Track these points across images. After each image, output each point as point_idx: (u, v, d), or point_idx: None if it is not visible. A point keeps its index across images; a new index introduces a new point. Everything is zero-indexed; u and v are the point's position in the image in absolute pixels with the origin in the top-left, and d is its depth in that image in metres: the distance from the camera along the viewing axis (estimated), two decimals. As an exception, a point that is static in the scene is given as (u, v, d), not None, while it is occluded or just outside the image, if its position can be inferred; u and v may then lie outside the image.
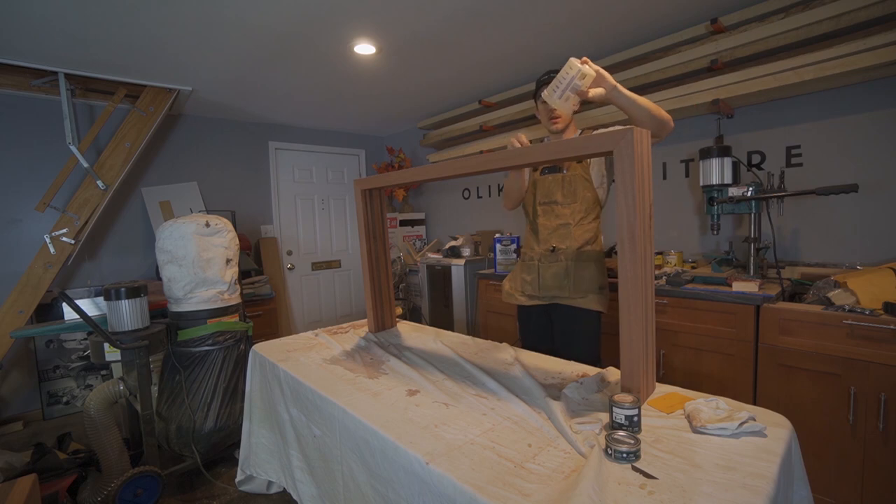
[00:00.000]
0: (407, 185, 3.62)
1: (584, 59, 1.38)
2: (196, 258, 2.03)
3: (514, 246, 2.83)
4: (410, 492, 0.85)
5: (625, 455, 0.77)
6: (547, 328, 1.78)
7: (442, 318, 3.41)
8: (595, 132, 1.57)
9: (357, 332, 1.80)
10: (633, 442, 0.78)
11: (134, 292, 1.90)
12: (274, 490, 1.76)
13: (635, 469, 0.75)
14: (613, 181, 1.65)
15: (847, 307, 1.56)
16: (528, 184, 1.80)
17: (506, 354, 1.40)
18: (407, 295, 3.86)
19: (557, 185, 1.69)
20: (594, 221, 1.71)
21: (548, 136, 1.84)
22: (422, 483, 0.82)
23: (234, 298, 2.19)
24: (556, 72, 1.56)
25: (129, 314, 1.88)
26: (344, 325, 1.92)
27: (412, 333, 1.73)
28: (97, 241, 3.11)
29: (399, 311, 3.40)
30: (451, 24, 2.15)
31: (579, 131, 1.74)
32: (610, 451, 0.78)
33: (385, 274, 1.79)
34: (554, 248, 1.69)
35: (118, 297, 1.86)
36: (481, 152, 3.43)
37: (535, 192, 1.75)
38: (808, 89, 1.98)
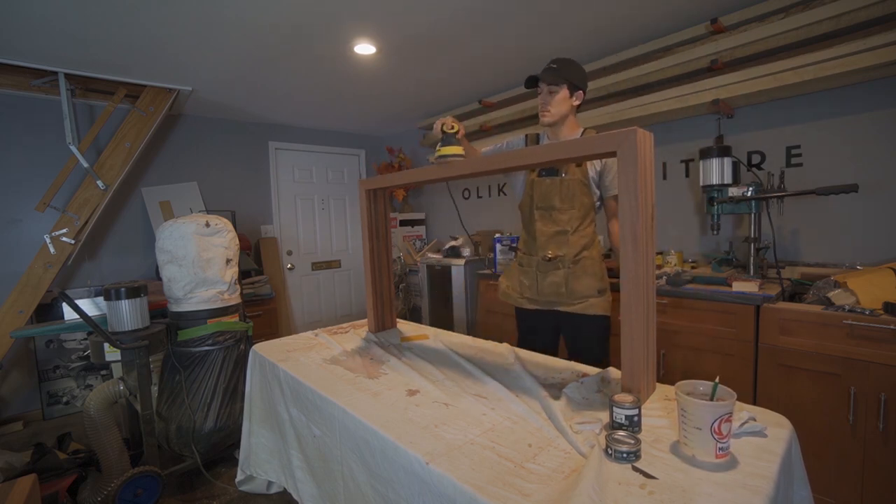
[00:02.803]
0: (411, 185, 3.61)
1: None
2: (196, 258, 2.03)
3: (514, 246, 2.83)
4: (410, 492, 0.85)
5: (625, 455, 0.77)
6: (550, 332, 1.75)
7: (442, 318, 3.41)
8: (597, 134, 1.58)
9: (357, 332, 1.80)
10: (633, 442, 0.77)
11: (134, 292, 1.90)
12: (274, 490, 1.76)
13: (635, 469, 0.75)
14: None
15: (847, 307, 1.56)
16: (525, 186, 1.76)
17: (506, 354, 1.40)
18: (407, 295, 3.86)
19: (555, 190, 1.64)
20: (590, 226, 1.68)
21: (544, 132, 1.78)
22: (422, 483, 0.82)
23: (234, 298, 2.19)
24: (536, 77, 1.57)
25: (129, 314, 1.88)
26: (344, 325, 1.92)
27: (412, 333, 1.73)
28: (97, 241, 3.11)
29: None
30: (451, 24, 2.15)
31: (581, 130, 1.67)
32: (610, 451, 0.78)
33: (386, 274, 1.79)
34: (550, 257, 1.64)
35: (118, 297, 1.86)
36: None
37: (532, 195, 1.70)
38: (808, 89, 1.98)
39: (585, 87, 1.61)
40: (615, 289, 1.88)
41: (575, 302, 1.63)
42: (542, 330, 1.76)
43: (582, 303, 1.63)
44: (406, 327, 1.84)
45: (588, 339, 1.65)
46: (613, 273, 1.90)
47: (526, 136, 1.80)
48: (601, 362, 1.57)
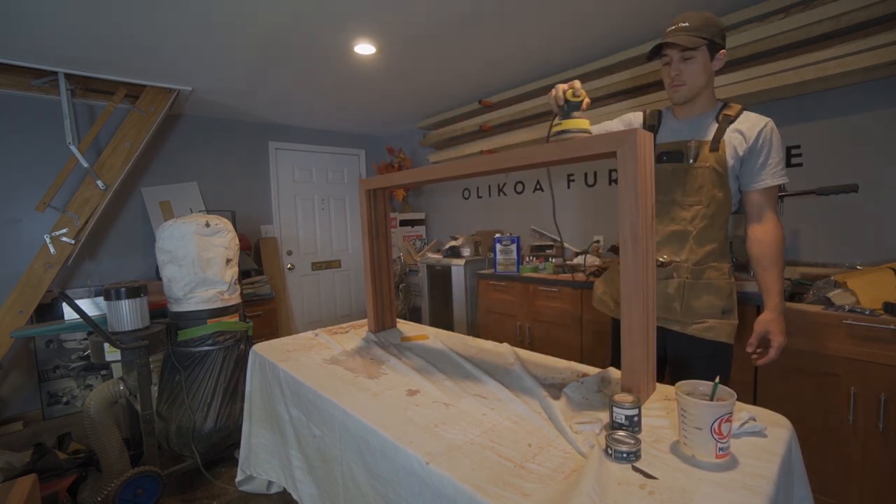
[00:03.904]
0: (411, 185, 3.61)
1: None
2: (196, 258, 2.03)
3: (513, 246, 2.83)
4: (410, 492, 0.85)
5: (625, 455, 0.77)
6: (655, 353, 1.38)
7: (442, 318, 3.41)
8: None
9: (357, 332, 1.80)
10: (633, 442, 0.77)
11: (134, 292, 1.90)
12: (274, 490, 1.76)
13: (635, 469, 0.75)
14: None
15: (847, 307, 1.56)
16: None
17: (506, 354, 1.40)
18: (407, 295, 3.86)
19: (679, 179, 1.28)
20: (721, 229, 1.31)
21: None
22: (422, 483, 0.81)
23: (234, 298, 2.19)
24: (662, 46, 1.23)
25: (129, 314, 1.88)
26: (344, 325, 1.92)
27: (412, 333, 1.73)
28: (97, 241, 3.11)
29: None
30: (452, 24, 2.15)
31: (719, 105, 1.30)
32: (610, 451, 0.78)
33: (386, 274, 1.79)
34: (662, 261, 1.31)
35: (118, 297, 1.86)
36: (481, 152, 3.43)
37: None
38: (807, 89, 1.98)
39: (724, 45, 1.24)
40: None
41: (690, 322, 1.31)
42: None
43: (699, 324, 1.30)
44: (406, 327, 1.84)
45: (700, 370, 1.28)
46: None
47: (644, 112, 1.44)
48: None
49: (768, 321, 1.26)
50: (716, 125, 1.27)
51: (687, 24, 1.20)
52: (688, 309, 1.31)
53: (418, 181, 1.47)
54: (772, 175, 1.26)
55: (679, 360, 1.35)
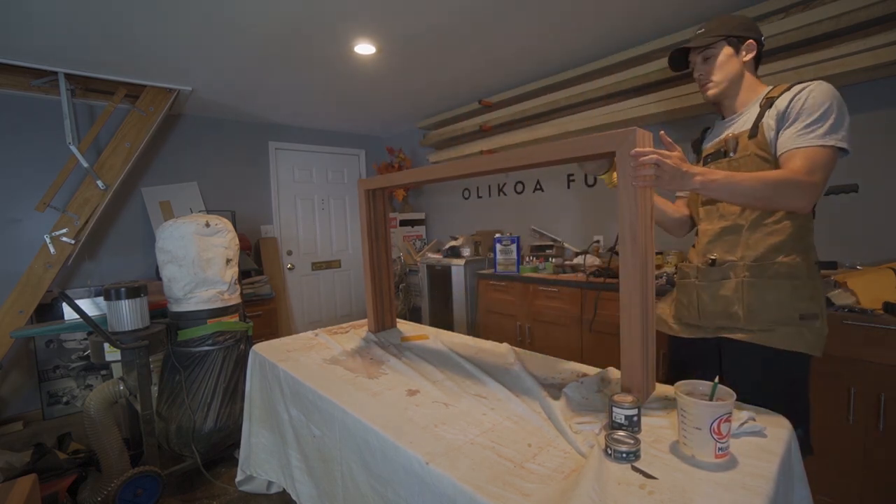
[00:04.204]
0: (411, 185, 3.60)
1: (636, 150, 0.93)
2: (196, 258, 2.03)
3: (513, 246, 2.83)
4: (410, 492, 0.85)
5: (624, 455, 0.77)
6: (711, 372, 1.12)
7: (442, 318, 3.41)
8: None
9: (357, 332, 1.80)
10: (632, 442, 0.77)
11: (134, 292, 1.90)
12: (274, 490, 1.76)
13: (635, 469, 0.75)
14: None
15: (847, 307, 1.56)
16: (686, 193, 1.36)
17: (506, 354, 1.40)
18: (407, 295, 3.87)
19: None
20: (786, 220, 1.11)
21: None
22: (422, 483, 0.81)
23: (234, 298, 2.19)
24: (685, 50, 1.24)
25: (129, 314, 1.88)
26: (344, 325, 1.92)
27: (412, 333, 1.73)
28: (97, 241, 3.11)
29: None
30: (451, 24, 2.15)
31: (766, 89, 1.18)
32: (610, 451, 0.78)
33: (386, 274, 1.79)
34: (714, 260, 1.18)
35: (118, 297, 1.86)
36: (481, 152, 3.43)
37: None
38: (808, 89, 1.98)
39: (758, 34, 1.18)
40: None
41: (751, 328, 1.11)
42: (695, 366, 1.24)
43: (767, 331, 1.10)
44: (406, 327, 1.84)
45: (765, 385, 1.09)
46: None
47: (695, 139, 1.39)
48: (792, 420, 0.92)
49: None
50: (758, 111, 1.15)
51: (703, 29, 1.21)
52: (750, 311, 1.11)
53: (418, 181, 1.47)
54: (797, 136, 1.04)
55: (737, 373, 1.12)
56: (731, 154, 1.17)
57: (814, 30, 1.84)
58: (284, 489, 1.48)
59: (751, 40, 1.17)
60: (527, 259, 2.94)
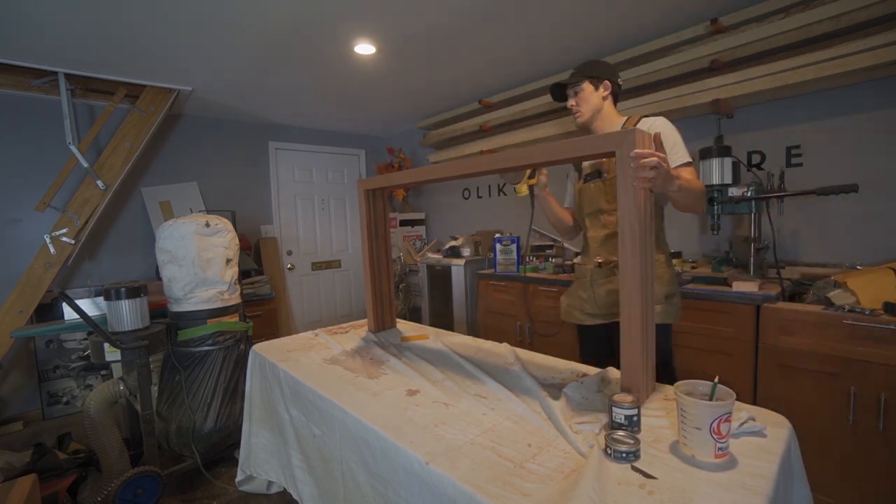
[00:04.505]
0: (411, 185, 3.60)
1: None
2: (196, 258, 2.03)
3: (514, 246, 2.83)
4: (410, 491, 0.85)
5: (624, 455, 0.77)
6: (610, 348, 1.54)
7: (442, 318, 3.41)
8: (637, 123, 1.46)
9: (357, 332, 1.80)
10: (632, 442, 0.77)
11: (134, 292, 1.90)
12: (274, 490, 1.76)
13: (635, 469, 0.75)
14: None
15: (847, 307, 1.56)
16: (574, 197, 1.69)
17: (506, 354, 1.40)
18: (407, 295, 3.87)
19: (600, 192, 1.52)
20: (656, 220, 1.46)
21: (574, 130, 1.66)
22: (422, 483, 0.82)
23: (234, 298, 2.19)
24: (561, 86, 1.57)
25: (129, 314, 1.88)
26: (344, 325, 1.92)
27: (412, 333, 1.73)
28: (97, 241, 3.11)
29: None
30: (451, 24, 2.15)
31: (623, 120, 1.53)
32: (609, 451, 0.78)
33: (386, 274, 1.79)
34: (601, 262, 1.51)
35: (118, 297, 1.86)
36: (481, 152, 3.43)
37: (580, 203, 1.61)
38: (807, 89, 1.99)
39: (613, 76, 1.52)
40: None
41: None
42: (605, 347, 1.57)
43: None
44: (406, 327, 1.84)
45: None
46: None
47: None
48: (666, 371, 1.34)
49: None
50: None
51: (574, 70, 1.55)
52: None
53: (418, 181, 1.47)
54: (674, 160, 1.37)
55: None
56: (605, 175, 1.50)
57: (814, 30, 1.84)
58: (285, 489, 1.48)
59: (607, 81, 1.50)
60: (527, 259, 2.94)
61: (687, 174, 1.37)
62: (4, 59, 2.30)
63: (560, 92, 1.58)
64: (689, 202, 1.31)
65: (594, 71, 1.52)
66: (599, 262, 1.52)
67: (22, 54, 2.29)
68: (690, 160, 1.40)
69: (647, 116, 1.49)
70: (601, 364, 1.35)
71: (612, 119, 1.54)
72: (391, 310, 1.82)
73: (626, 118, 1.52)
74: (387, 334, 1.73)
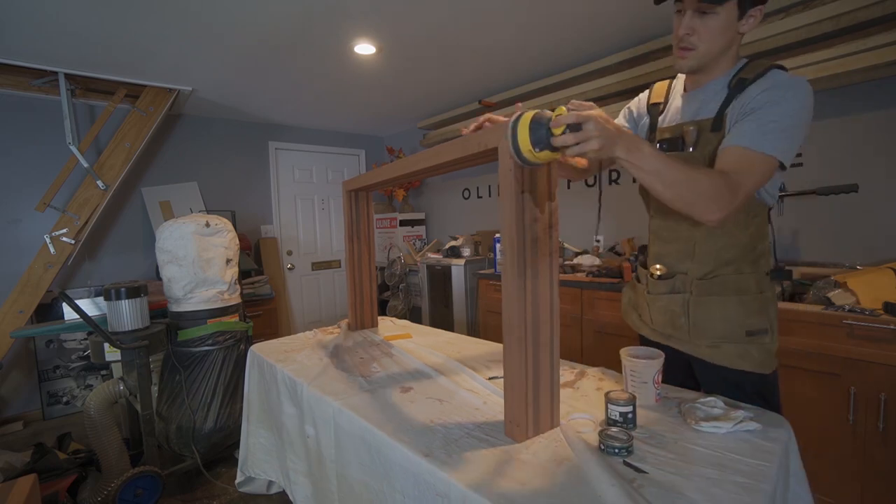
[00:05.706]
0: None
1: (571, 102, 0.89)
2: (196, 258, 2.03)
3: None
4: (406, 487, 0.85)
5: (617, 450, 0.77)
6: (680, 373, 1.12)
7: (442, 318, 3.41)
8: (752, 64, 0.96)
9: (350, 331, 1.80)
10: (625, 438, 0.78)
11: (134, 292, 1.90)
12: (274, 490, 1.76)
13: (627, 464, 0.75)
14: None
15: (847, 307, 1.56)
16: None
17: (496, 351, 1.40)
18: (407, 295, 3.87)
19: None
20: (743, 228, 0.98)
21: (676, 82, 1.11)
22: (417, 478, 0.82)
23: (234, 298, 2.19)
24: None
25: (129, 314, 1.89)
26: (339, 324, 1.92)
27: (395, 332, 1.73)
28: (97, 241, 3.12)
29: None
30: (451, 24, 2.16)
31: (739, 64, 0.99)
32: (603, 447, 0.79)
33: (368, 274, 1.78)
34: (660, 275, 1.08)
35: (118, 297, 1.86)
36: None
37: None
38: (807, 89, 1.98)
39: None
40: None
41: (699, 342, 1.03)
42: (670, 367, 1.04)
43: (713, 348, 1.01)
44: (390, 326, 1.83)
45: (734, 395, 0.99)
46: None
47: (651, 89, 1.16)
48: None
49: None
50: (725, 94, 0.96)
51: None
52: (695, 326, 1.01)
53: (397, 175, 1.36)
54: (742, 134, 0.88)
55: (709, 386, 1.06)
56: (691, 149, 0.99)
57: (814, 30, 1.83)
58: (284, 490, 1.48)
59: (761, 6, 0.94)
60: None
61: (730, 164, 0.86)
62: (4, 59, 2.31)
63: None
64: (676, 199, 0.83)
65: None
66: (658, 275, 1.09)
67: (22, 54, 2.29)
68: (774, 154, 0.86)
69: (778, 69, 0.94)
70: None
71: (730, 62, 1.00)
72: (373, 310, 1.81)
73: (744, 60, 0.99)
74: (373, 333, 1.73)
